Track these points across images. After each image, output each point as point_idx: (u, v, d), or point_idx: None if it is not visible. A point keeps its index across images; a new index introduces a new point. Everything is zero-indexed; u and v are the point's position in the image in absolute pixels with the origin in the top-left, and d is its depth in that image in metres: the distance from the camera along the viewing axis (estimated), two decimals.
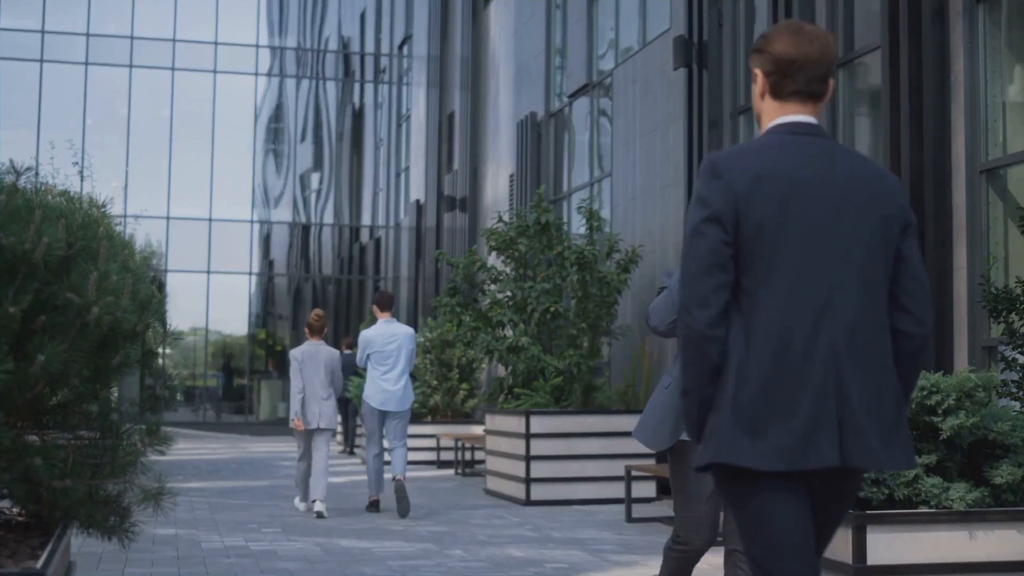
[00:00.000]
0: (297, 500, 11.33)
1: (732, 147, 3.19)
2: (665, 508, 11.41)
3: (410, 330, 11.25)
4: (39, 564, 3.72)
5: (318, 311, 11.54)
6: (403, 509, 10.66)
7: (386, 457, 15.63)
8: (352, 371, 18.69)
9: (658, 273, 13.28)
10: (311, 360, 11.12)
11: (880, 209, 3.06)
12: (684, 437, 4.56)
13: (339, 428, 21.77)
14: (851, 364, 2.96)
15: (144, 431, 4.60)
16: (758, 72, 3.18)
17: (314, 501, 10.84)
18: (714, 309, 2.96)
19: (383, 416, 11.05)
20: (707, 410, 3.00)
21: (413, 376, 18.89)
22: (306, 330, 11.42)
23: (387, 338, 11.12)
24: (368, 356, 11.12)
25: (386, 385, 10.99)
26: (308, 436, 11.20)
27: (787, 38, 3.12)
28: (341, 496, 12.59)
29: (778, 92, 3.15)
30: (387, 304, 11.36)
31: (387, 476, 13.51)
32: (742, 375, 2.94)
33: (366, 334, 11.20)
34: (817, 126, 3.13)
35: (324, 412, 11.06)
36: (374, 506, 11.17)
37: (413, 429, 17.67)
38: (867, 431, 2.95)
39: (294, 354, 11.15)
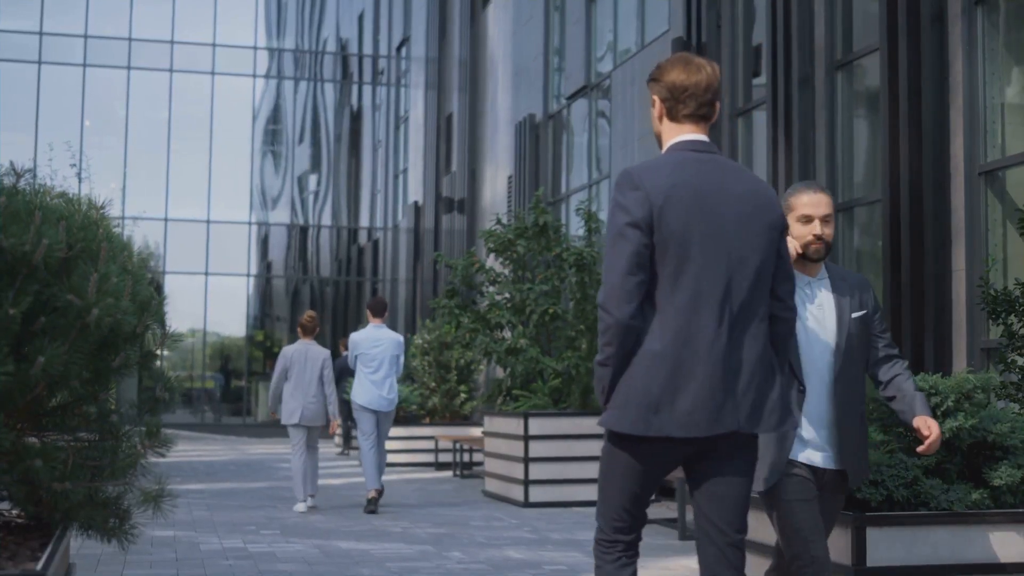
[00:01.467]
0: (297, 504, 11.40)
1: (645, 162, 3.62)
2: (664, 510, 11.40)
3: (398, 337, 11.84)
4: (39, 566, 3.72)
5: (311, 312, 12.06)
6: (370, 509, 11.36)
7: None
8: (351, 373, 18.69)
9: None
10: (302, 359, 11.64)
11: (766, 217, 3.61)
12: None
13: (339, 431, 21.73)
14: (744, 349, 3.52)
15: (144, 433, 4.59)
16: (655, 98, 3.71)
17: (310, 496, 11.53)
18: (635, 304, 3.47)
19: (374, 414, 11.57)
20: (617, 382, 3.53)
21: (412, 378, 18.92)
22: (299, 330, 11.94)
23: (373, 342, 11.69)
24: (356, 357, 11.70)
25: (372, 386, 11.57)
26: (300, 431, 11.61)
27: (679, 69, 3.65)
28: (339, 497, 12.59)
29: (674, 115, 3.69)
30: (379, 311, 11.92)
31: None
32: (658, 360, 3.47)
33: (354, 336, 11.82)
34: (711, 144, 3.68)
35: (314, 410, 11.55)
36: (372, 503, 11.34)
37: (412, 431, 17.75)
38: (760, 402, 3.54)
39: (285, 351, 11.71)
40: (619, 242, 3.49)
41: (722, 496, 3.63)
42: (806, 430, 4.26)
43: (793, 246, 4.22)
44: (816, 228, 4.27)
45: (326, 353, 11.79)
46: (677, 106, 3.67)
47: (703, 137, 3.67)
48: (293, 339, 31.97)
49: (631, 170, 3.56)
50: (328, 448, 21.39)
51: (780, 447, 4.18)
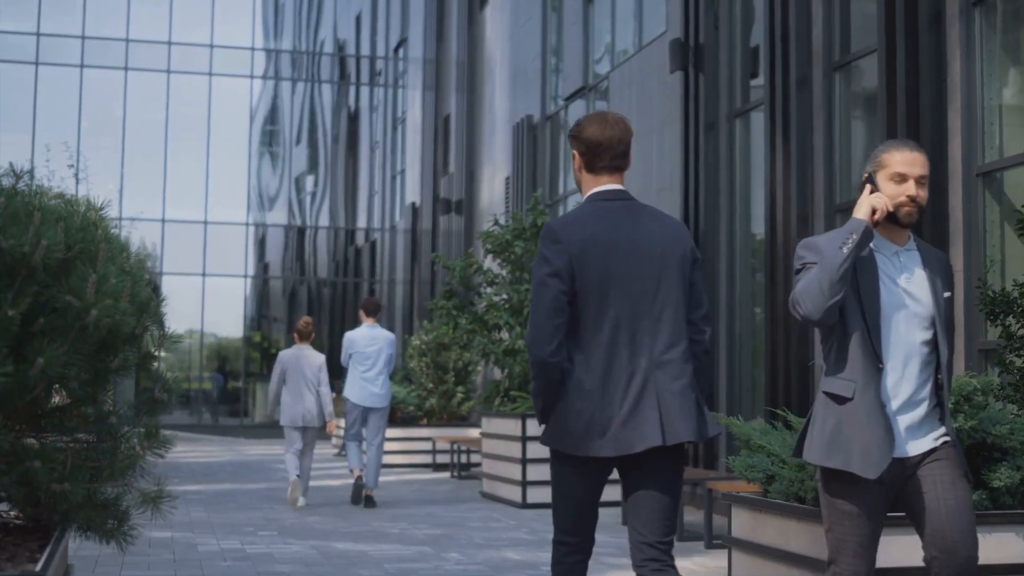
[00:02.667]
0: (291, 477, 11.79)
1: (564, 215, 4.12)
2: None
3: (391, 335, 12.21)
4: (38, 567, 3.72)
5: (307, 318, 12.38)
6: (366, 505, 11.78)
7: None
8: None
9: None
10: (297, 363, 11.95)
11: (677, 252, 4.06)
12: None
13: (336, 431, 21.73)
14: (663, 372, 3.97)
15: (143, 434, 4.59)
16: (576, 153, 4.18)
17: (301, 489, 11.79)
18: (555, 343, 3.95)
19: (365, 412, 11.95)
20: (552, 409, 4.02)
21: (409, 379, 18.92)
22: (295, 335, 12.25)
23: (368, 341, 12.04)
24: (350, 356, 12.04)
25: (366, 384, 11.92)
26: (296, 433, 11.92)
27: (596, 127, 4.12)
28: (337, 498, 12.59)
29: (591, 167, 4.16)
30: (373, 310, 12.25)
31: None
32: (585, 390, 3.94)
33: (349, 335, 12.17)
34: (624, 191, 4.15)
35: (310, 412, 11.85)
36: (359, 491, 11.86)
37: (409, 432, 17.76)
38: (677, 419, 3.94)
39: (281, 356, 12.04)
40: (541, 290, 3.98)
41: (650, 508, 4.02)
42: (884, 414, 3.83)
43: (882, 202, 3.87)
44: (910, 188, 3.88)
45: (322, 358, 12.11)
46: (594, 159, 4.13)
47: (618, 186, 4.15)
48: (290, 340, 31.97)
49: (552, 225, 4.05)
50: (326, 449, 21.38)
51: (884, 429, 3.77)
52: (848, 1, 10.48)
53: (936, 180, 8.90)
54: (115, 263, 4.44)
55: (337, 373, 19.23)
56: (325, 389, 11.96)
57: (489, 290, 14.29)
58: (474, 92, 23.16)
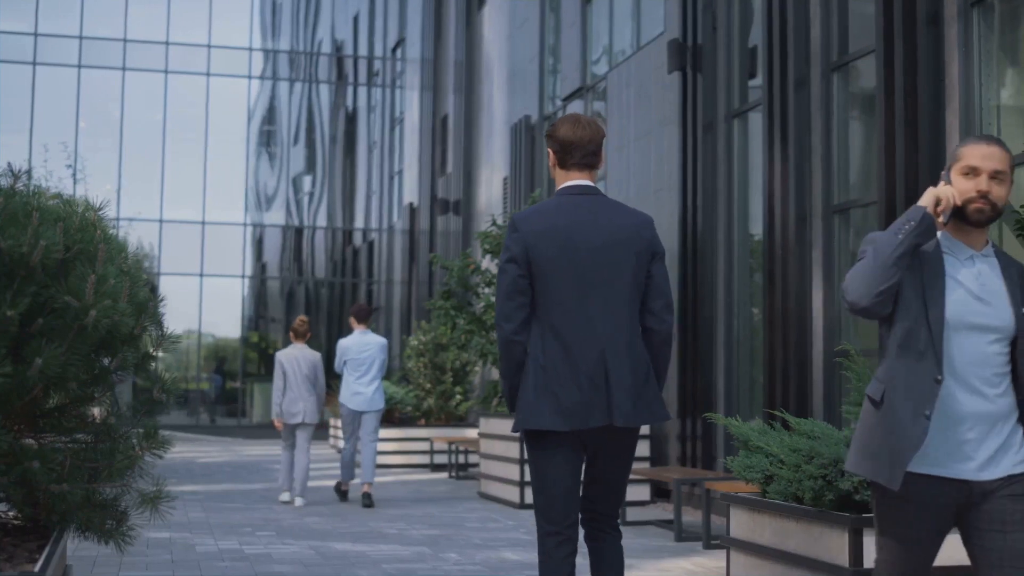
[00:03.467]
0: (283, 494, 12.11)
1: (530, 208, 4.48)
2: (660, 511, 11.41)
3: (383, 341, 12.45)
4: (36, 568, 3.72)
5: (303, 317, 12.59)
6: (363, 504, 11.95)
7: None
8: None
9: None
10: (294, 361, 12.14)
11: (634, 245, 4.37)
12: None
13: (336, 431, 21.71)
14: (614, 356, 4.27)
15: (141, 435, 4.59)
16: (550, 151, 4.55)
17: (293, 496, 12.01)
18: (516, 322, 4.31)
19: (359, 416, 12.20)
20: (517, 390, 4.35)
21: (407, 380, 18.92)
22: (291, 334, 12.48)
23: (362, 347, 12.27)
24: (344, 362, 12.27)
25: (360, 388, 12.17)
26: (292, 431, 12.23)
27: (568, 127, 4.49)
28: (335, 499, 12.59)
29: (564, 164, 4.51)
30: (363, 316, 12.48)
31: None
32: (541, 368, 4.27)
33: (343, 343, 12.41)
34: (592, 187, 4.50)
35: (306, 410, 12.05)
36: (344, 495, 12.31)
37: (407, 433, 17.76)
38: (626, 400, 4.25)
39: (278, 356, 12.21)
40: (502, 275, 4.35)
41: (599, 483, 4.43)
42: (946, 434, 3.47)
43: (949, 193, 3.49)
44: (981, 183, 3.46)
45: (318, 356, 12.32)
46: (566, 157, 4.48)
47: (586, 181, 4.49)
48: (288, 341, 31.94)
49: (515, 216, 4.40)
50: (325, 449, 21.38)
51: (916, 437, 3.42)
52: (846, 2, 10.49)
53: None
54: (114, 263, 4.44)
55: (333, 376, 19.22)
56: (321, 386, 12.19)
57: (487, 290, 14.29)
58: (472, 92, 23.16)
